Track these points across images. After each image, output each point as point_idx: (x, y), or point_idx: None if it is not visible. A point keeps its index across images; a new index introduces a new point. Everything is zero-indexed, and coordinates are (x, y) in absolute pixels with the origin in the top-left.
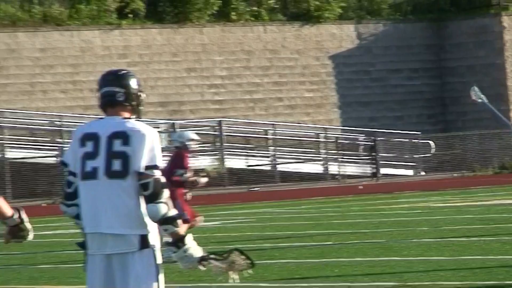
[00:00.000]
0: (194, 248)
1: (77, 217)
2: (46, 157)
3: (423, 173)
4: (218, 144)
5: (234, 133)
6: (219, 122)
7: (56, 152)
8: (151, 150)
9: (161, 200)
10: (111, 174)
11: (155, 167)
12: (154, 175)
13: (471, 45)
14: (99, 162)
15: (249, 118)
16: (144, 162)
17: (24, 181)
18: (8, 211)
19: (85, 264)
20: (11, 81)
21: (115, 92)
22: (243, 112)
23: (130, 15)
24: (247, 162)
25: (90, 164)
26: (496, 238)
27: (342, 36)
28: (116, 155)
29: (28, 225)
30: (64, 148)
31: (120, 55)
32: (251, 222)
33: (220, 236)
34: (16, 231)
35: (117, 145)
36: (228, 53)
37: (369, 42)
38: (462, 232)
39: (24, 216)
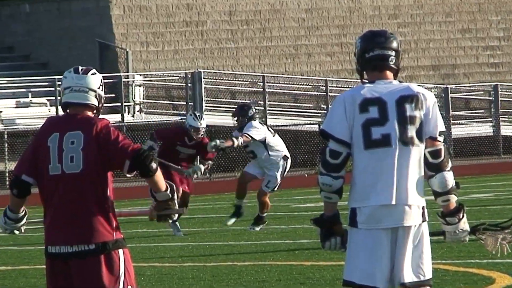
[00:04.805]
0: (465, 220)
1: (339, 191)
2: (309, 124)
3: None
4: (493, 110)
5: (511, 98)
6: (495, 87)
7: (319, 119)
8: (439, 114)
9: (449, 169)
10: (406, 140)
11: (444, 133)
12: (443, 142)
13: None
14: (390, 128)
15: None
16: (437, 127)
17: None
18: (163, 184)
19: (347, 240)
20: (274, 43)
21: (388, 56)
22: None
23: None
24: None
25: (378, 131)
26: None
27: None
28: (410, 120)
29: (176, 204)
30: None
31: (390, 16)
32: None
33: (493, 209)
34: (162, 208)
35: (409, 110)
36: (506, 13)
37: None
38: None
39: (175, 194)
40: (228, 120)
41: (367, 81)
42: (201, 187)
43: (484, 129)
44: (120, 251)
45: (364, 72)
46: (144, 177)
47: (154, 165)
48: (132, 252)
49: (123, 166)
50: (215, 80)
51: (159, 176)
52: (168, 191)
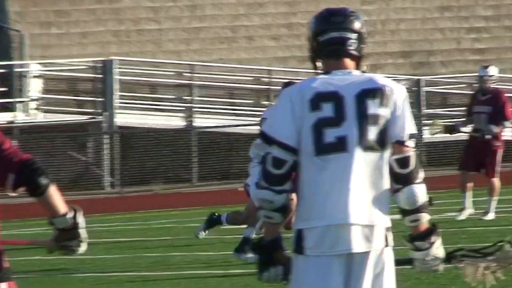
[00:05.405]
0: (438, 244)
1: (283, 209)
2: (248, 125)
3: None
4: None
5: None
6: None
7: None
8: (409, 113)
9: (421, 181)
10: (367, 145)
11: (414, 136)
12: (413, 147)
13: None
14: (348, 130)
15: None
16: (406, 129)
17: (217, 157)
18: (61, 207)
19: (290, 270)
20: (206, 24)
21: (347, 39)
22: None
23: None
24: None
25: (332, 133)
26: None
27: None
28: (373, 120)
29: (83, 233)
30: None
31: None
32: None
33: (473, 231)
34: (65, 238)
35: (372, 107)
36: None
37: None
38: None
39: (80, 219)
40: (148, 120)
41: (322, 71)
42: (109, 204)
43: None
44: (3, 285)
45: (319, 60)
46: (33, 195)
47: (44, 180)
48: (21, 286)
49: (6, 180)
50: (131, 71)
51: (53, 196)
52: (70, 216)
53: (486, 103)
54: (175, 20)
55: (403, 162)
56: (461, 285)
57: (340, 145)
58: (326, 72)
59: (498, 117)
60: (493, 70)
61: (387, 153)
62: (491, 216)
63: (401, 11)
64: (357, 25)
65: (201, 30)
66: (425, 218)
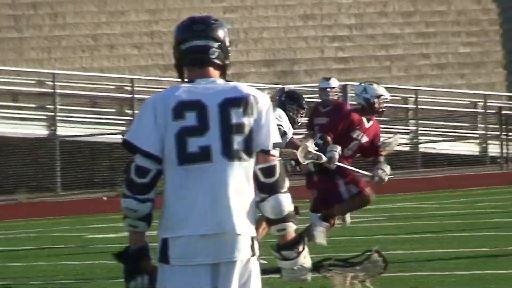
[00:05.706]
0: (306, 254)
1: (147, 217)
2: (110, 134)
3: None
4: None
5: None
6: (344, 87)
7: (123, 128)
8: (274, 122)
9: (286, 190)
10: (231, 154)
11: (279, 145)
12: (278, 156)
13: None
14: (211, 139)
15: (384, 81)
16: (271, 138)
17: (80, 166)
18: None
19: (156, 279)
20: (67, 32)
21: (209, 47)
22: (375, 73)
23: None
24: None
25: (195, 143)
26: None
27: None
28: (237, 129)
29: None
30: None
31: None
32: (381, 221)
33: (338, 240)
34: None
35: (236, 116)
36: None
37: None
38: None
39: None
40: (9, 129)
41: (186, 80)
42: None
43: None
44: None
45: (184, 68)
46: None
47: None
48: None
49: None
50: None
51: None
52: None
53: (326, 115)
54: (36, 28)
55: (268, 171)
56: None
57: (204, 155)
58: (190, 80)
59: None
60: (335, 82)
61: (252, 163)
62: (348, 220)
63: (264, 19)
64: (220, 33)
65: (63, 38)
66: (291, 227)
